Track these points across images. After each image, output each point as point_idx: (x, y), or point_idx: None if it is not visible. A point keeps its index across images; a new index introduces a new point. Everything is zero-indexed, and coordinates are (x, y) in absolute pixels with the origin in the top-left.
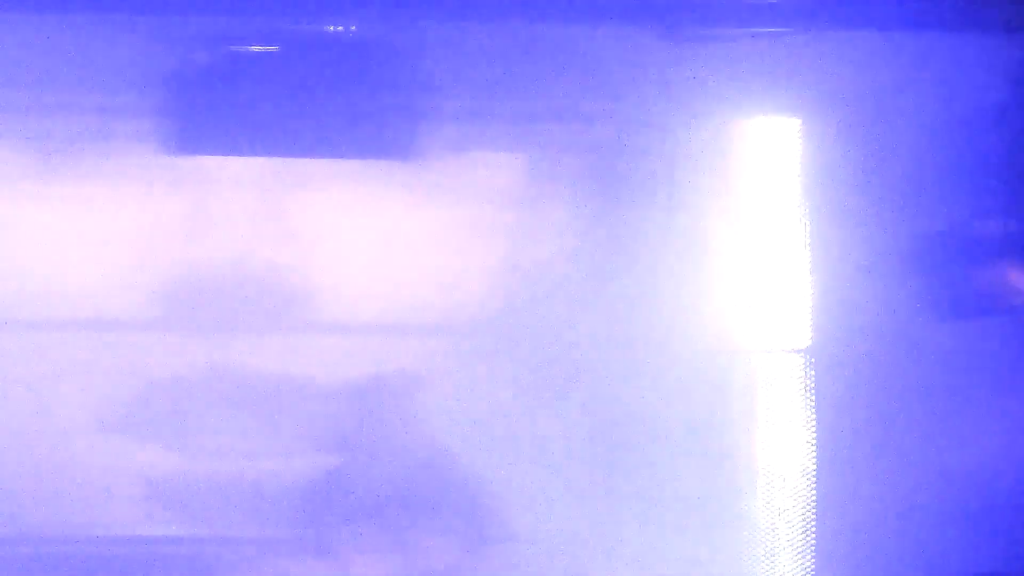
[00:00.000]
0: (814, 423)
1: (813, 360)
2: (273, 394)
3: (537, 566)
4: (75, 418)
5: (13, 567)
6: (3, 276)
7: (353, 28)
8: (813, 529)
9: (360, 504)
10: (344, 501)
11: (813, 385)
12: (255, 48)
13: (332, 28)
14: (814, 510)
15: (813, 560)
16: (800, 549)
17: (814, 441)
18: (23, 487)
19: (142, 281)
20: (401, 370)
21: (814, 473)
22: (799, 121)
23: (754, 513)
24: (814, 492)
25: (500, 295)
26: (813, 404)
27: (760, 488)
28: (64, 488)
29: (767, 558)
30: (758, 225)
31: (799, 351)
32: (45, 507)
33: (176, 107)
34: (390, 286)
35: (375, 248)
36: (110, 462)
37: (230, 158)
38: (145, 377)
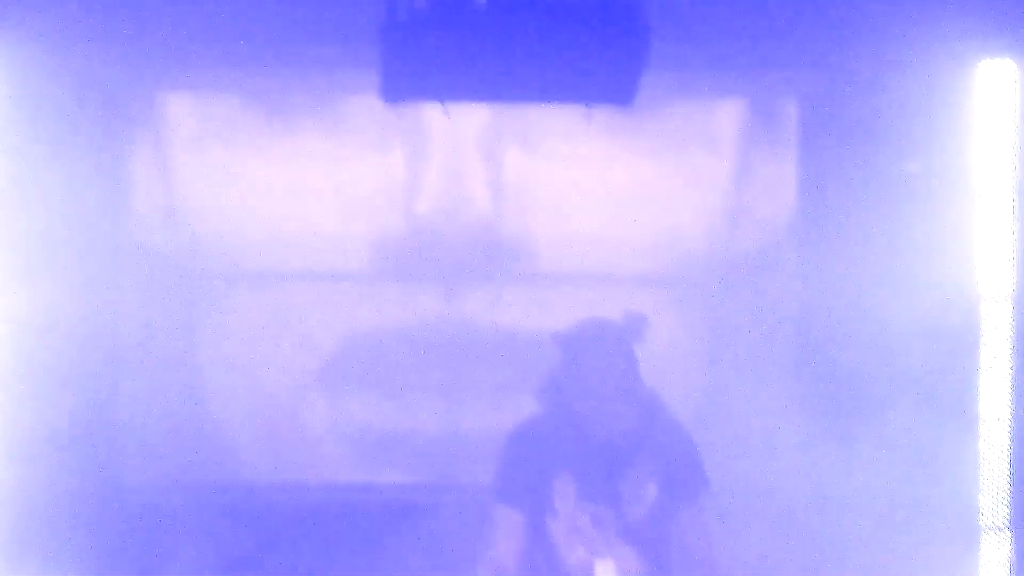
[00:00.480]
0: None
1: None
2: (490, 343)
3: (761, 510)
4: (293, 369)
5: (233, 514)
6: (226, 229)
7: None
8: None
9: (575, 450)
10: (559, 448)
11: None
12: None
13: None
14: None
15: None
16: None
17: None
18: (243, 436)
19: (360, 233)
20: (619, 319)
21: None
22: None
23: (981, 456)
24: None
25: (719, 244)
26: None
27: (984, 432)
28: (282, 437)
29: (996, 499)
30: (977, 170)
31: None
32: (265, 456)
33: (394, 58)
34: (608, 235)
35: (593, 197)
36: (327, 412)
37: (448, 108)
38: (362, 327)
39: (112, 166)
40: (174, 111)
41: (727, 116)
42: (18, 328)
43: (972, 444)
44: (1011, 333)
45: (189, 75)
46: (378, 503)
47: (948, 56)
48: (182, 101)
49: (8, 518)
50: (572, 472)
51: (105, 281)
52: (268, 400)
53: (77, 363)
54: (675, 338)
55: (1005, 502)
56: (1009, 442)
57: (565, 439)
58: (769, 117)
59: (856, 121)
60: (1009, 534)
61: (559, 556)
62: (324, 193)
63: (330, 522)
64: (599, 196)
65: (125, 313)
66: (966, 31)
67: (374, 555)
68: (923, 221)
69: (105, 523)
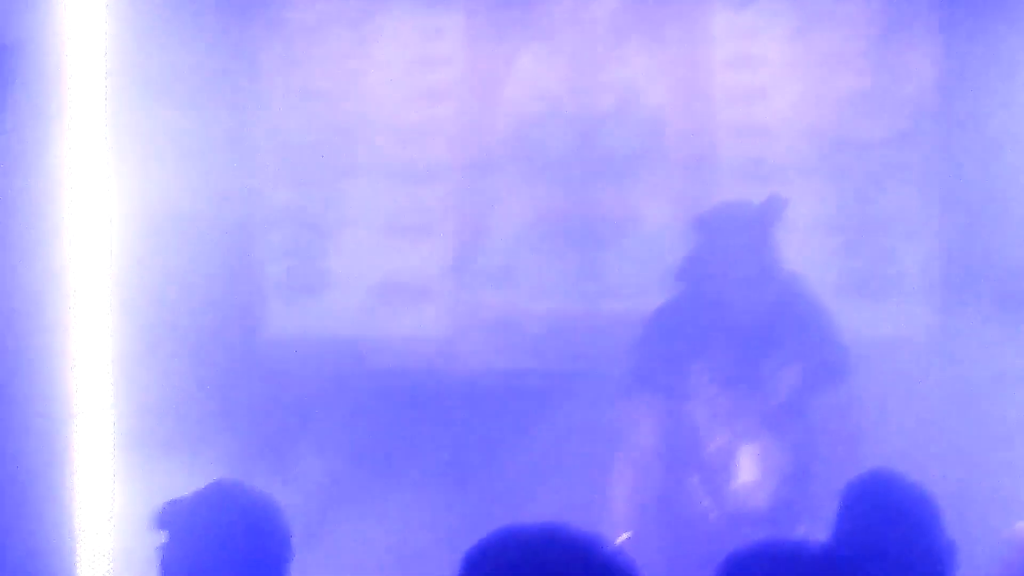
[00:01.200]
0: None
1: None
2: (628, 230)
3: (901, 400)
4: (426, 259)
5: (367, 402)
6: (358, 118)
7: None
8: None
9: (715, 334)
10: (699, 332)
11: None
12: None
13: None
14: None
15: None
16: None
17: None
18: (378, 329)
19: (492, 123)
20: (758, 202)
21: None
22: None
23: None
24: None
25: (859, 127)
26: None
27: None
28: (417, 326)
29: None
30: None
31: None
32: (401, 345)
33: None
34: (749, 121)
35: (732, 81)
36: (463, 302)
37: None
38: (496, 218)
39: (245, 53)
40: None
41: None
42: (153, 220)
43: None
44: None
45: None
46: (516, 390)
47: None
48: None
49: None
50: (712, 357)
51: (238, 169)
52: (400, 290)
53: (213, 254)
54: (816, 222)
55: None
56: None
57: (705, 324)
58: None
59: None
60: None
61: (700, 442)
62: (454, 83)
63: (469, 410)
64: (739, 80)
65: (265, 203)
66: None
67: (509, 437)
68: None
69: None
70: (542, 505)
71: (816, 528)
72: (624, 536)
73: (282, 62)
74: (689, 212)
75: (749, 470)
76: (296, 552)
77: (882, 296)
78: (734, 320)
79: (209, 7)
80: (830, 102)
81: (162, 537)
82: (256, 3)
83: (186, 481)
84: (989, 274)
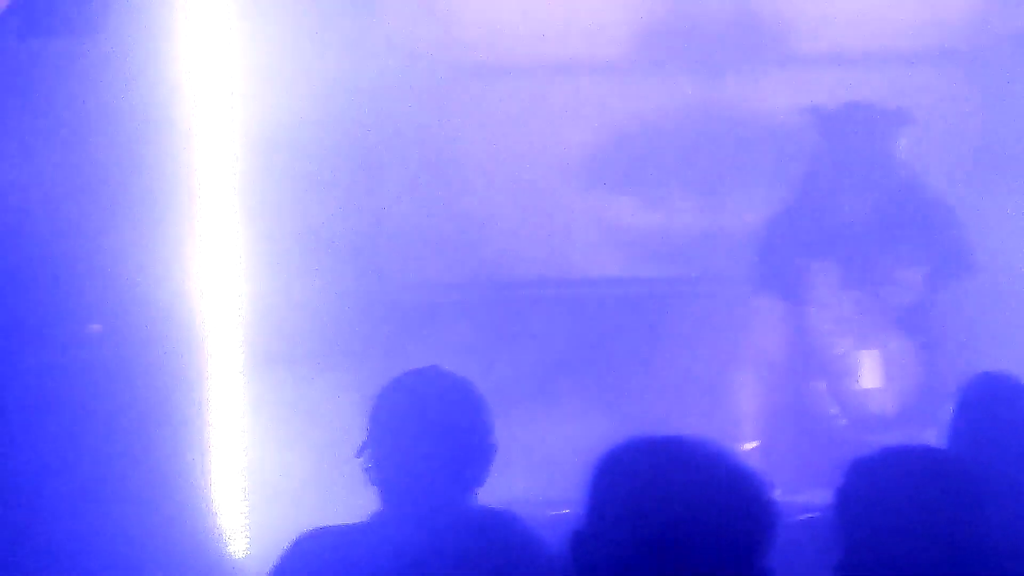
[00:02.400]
0: None
1: None
2: (749, 130)
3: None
4: (552, 163)
5: (493, 307)
6: (482, 22)
7: None
8: None
9: (837, 236)
10: (820, 234)
11: None
12: None
13: None
14: None
15: None
16: None
17: None
18: (501, 232)
19: (616, 21)
20: (880, 103)
21: None
22: None
23: None
24: None
25: (985, 19)
26: None
27: None
28: (541, 232)
29: None
30: None
31: None
32: (524, 250)
33: None
34: (870, 14)
35: None
36: (585, 206)
37: None
38: (619, 118)
39: None
40: None
41: None
42: (266, 133)
43: None
44: None
45: None
46: (638, 296)
47: None
48: None
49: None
50: (834, 259)
51: (361, 76)
52: (526, 195)
53: (333, 165)
54: (941, 116)
55: None
56: None
57: (826, 225)
58: None
59: None
60: None
61: (824, 346)
62: None
63: (590, 316)
64: None
65: (383, 110)
66: None
67: (634, 347)
68: None
69: (369, 321)
70: (671, 412)
71: (942, 431)
72: (752, 444)
73: None
74: (812, 113)
75: (875, 374)
76: None
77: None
78: (855, 221)
79: None
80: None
81: None
82: None
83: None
84: None
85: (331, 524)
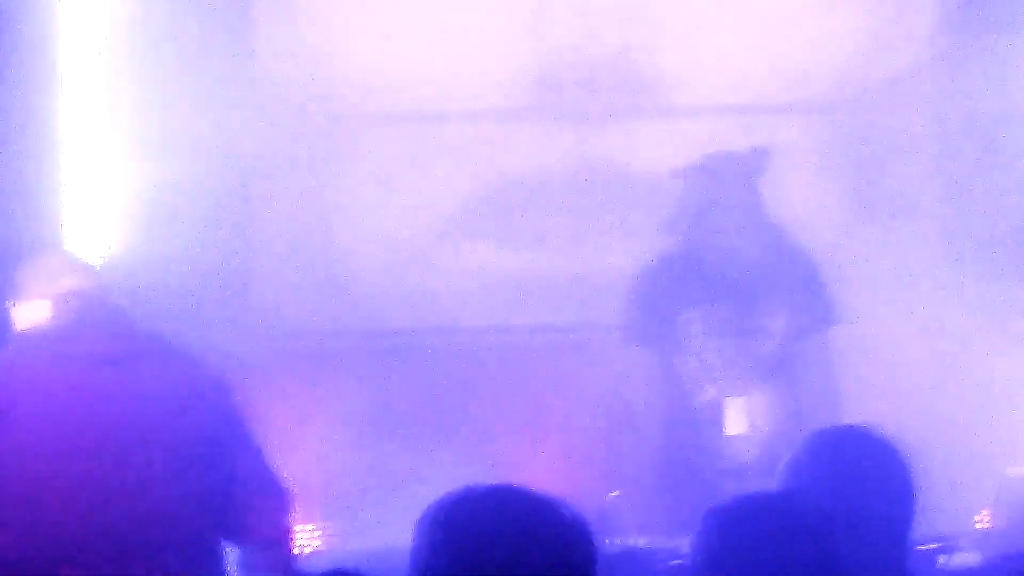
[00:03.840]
0: None
1: None
2: (622, 182)
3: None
4: (424, 211)
5: (365, 357)
6: (356, 70)
7: None
8: None
9: (703, 287)
10: (687, 285)
11: None
12: None
13: None
14: None
15: None
16: None
17: None
18: (373, 280)
19: (492, 71)
20: (743, 153)
21: None
22: None
23: None
24: None
25: (857, 71)
26: None
27: None
28: (414, 281)
29: None
30: None
31: None
32: (396, 300)
33: None
34: (743, 64)
35: (727, 25)
36: (459, 255)
37: None
38: (493, 168)
39: (240, 5)
40: None
41: None
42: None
43: None
44: None
45: None
46: (510, 345)
47: None
48: None
49: None
50: (700, 309)
51: (235, 122)
52: (400, 242)
53: (205, 215)
54: (813, 168)
55: None
56: None
57: (693, 276)
58: None
59: None
60: None
61: (689, 395)
62: (454, 31)
63: (462, 364)
64: (733, 24)
65: (258, 157)
66: None
67: (503, 395)
68: None
69: (242, 369)
70: (537, 460)
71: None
72: (615, 493)
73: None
74: (684, 164)
75: (739, 422)
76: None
77: (882, 239)
78: (722, 271)
79: None
80: (825, 45)
81: None
82: None
83: None
84: (996, 225)
85: None
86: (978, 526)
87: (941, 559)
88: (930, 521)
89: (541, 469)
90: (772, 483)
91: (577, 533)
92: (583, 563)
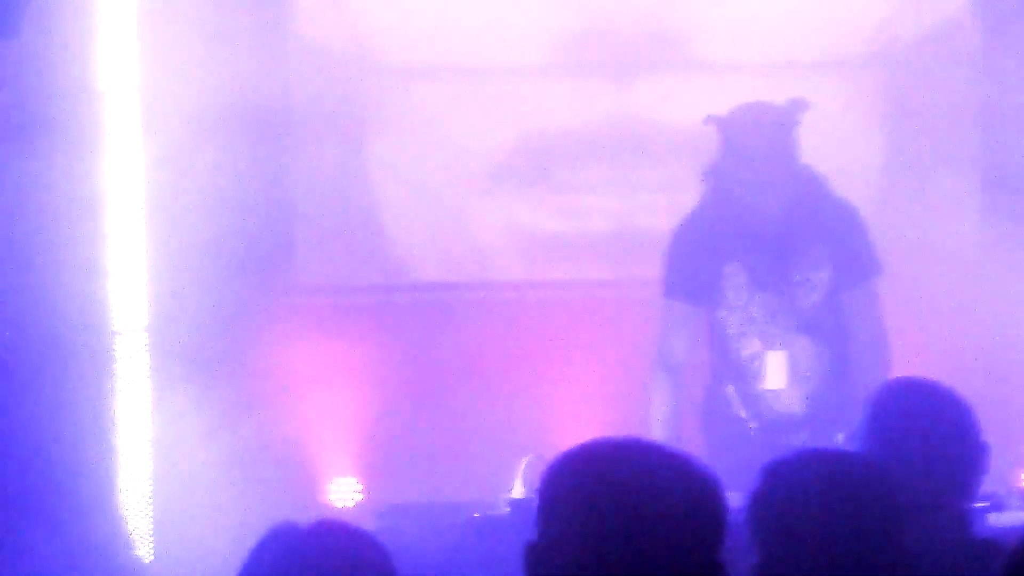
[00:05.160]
0: None
1: None
2: (661, 136)
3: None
4: (462, 166)
5: (401, 312)
6: (395, 23)
7: None
8: None
9: (744, 239)
10: (727, 238)
11: None
12: None
13: None
14: None
15: None
16: None
17: None
18: (410, 235)
19: (530, 26)
20: (793, 102)
21: None
22: None
23: None
24: None
25: (896, 26)
26: None
27: None
28: (449, 236)
29: None
30: None
31: None
32: (433, 255)
33: None
34: (780, 20)
35: None
36: (496, 210)
37: None
38: (531, 123)
39: None
40: None
41: None
42: (175, 138)
43: None
44: None
45: None
46: (549, 299)
47: None
48: None
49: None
50: (742, 262)
51: (272, 78)
52: (437, 197)
53: (242, 169)
54: (846, 122)
55: None
56: None
57: (733, 229)
58: None
59: None
60: None
61: (731, 348)
62: None
63: (501, 319)
64: None
65: (294, 112)
66: None
67: (544, 350)
68: None
69: (276, 324)
70: (579, 416)
71: (850, 433)
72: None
73: None
74: (720, 117)
75: (782, 376)
76: None
77: (919, 192)
78: (762, 224)
79: None
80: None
81: None
82: None
83: None
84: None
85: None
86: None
87: (991, 517)
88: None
89: (580, 425)
90: (816, 438)
91: (707, 487)
92: (714, 528)
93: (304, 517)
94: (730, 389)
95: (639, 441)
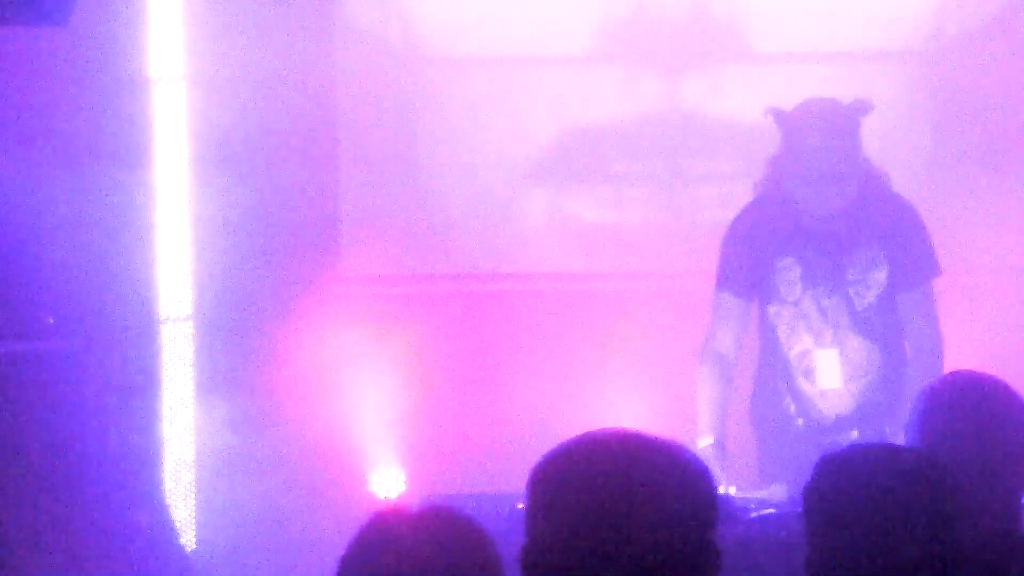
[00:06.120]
0: None
1: None
2: (711, 129)
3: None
4: (509, 156)
5: (447, 300)
6: (443, 11)
7: None
8: None
9: (800, 235)
10: (782, 234)
11: None
12: None
13: None
14: None
15: None
16: None
17: None
18: (457, 226)
19: (579, 16)
20: (857, 100)
21: None
22: None
23: None
24: None
25: (947, 14)
26: None
27: None
28: (497, 226)
29: None
30: None
31: None
32: (480, 245)
33: None
34: (833, 10)
35: None
36: (543, 200)
37: None
38: (579, 113)
39: None
40: None
41: None
42: (223, 127)
43: None
44: None
45: None
46: (593, 291)
47: None
48: None
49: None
50: (796, 257)
51: (319, 69)
52: (485, 187)
53: (290, 159)
54: (899, 113)
55: None
56: None
57: (789, 224)
58: None
59: None
60: None
61: (782, 344)
62: None
63: (544, 310)
64: None
65: (341, 102)
66: None
67: (590, 341)
68: None
69: (321, 313)
70: (627, 408)
71: (902, 425)
72: (708, 441)
73: None
74: (772, 110)
75: (834, 374)
76: None
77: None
78: (819, 220)
79: None
80: None
81: None
82: None
83: None
84: None
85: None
86: None
87: None
88: None
89: (627, 417)
90: (865, 438)
91: (698, 477)
92: (705, 508)
93: (348, 507)
94: (780, 385)
95: (625, 432)
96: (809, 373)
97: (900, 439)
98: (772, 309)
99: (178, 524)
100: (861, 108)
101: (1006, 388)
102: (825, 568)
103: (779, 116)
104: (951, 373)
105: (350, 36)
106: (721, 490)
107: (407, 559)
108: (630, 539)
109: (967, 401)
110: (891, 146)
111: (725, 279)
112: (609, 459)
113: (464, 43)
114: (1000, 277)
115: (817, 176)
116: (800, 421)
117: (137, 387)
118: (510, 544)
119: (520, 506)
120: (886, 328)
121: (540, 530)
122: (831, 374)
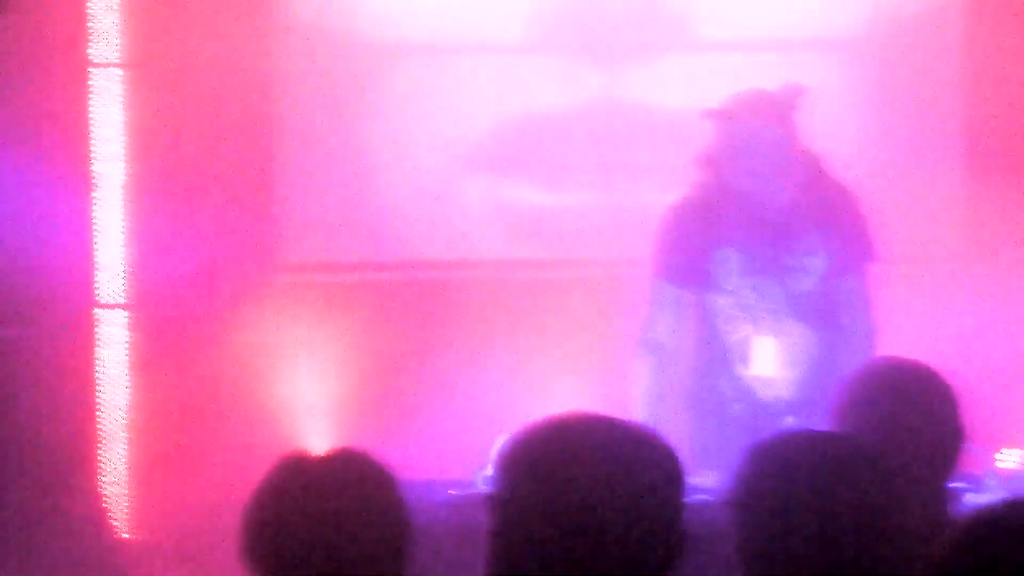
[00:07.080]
0: None
1: None
2: (650, 119)
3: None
4: (462, 145)
5: (388, 289)
6: (388, 1)
7: None
8: None
9: (738, 223)
10: (721, 222)
11: None
12: None
13: None
14: None
15: None
16: None
17: None
18: (398, 213)
19: (519, 4)
20: (776, 90)
21: None
22: None
23: None
24: None
25: (887, 5)
26: None
27: None
28: (438, 214)
29: None
30: None
31: None
32: (421, 232)
33: None
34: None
35: None
36: (483, 189)
37: None
38: (520, 102)
39: None
40: None
41: None
42: (162, 119)
43: None
44: None
45: None
46: (536, 279)
47: None
48: None
49: None
50: (735, 246)
51: (257, 48)
52: (422, 175)
53: (230, 150)
54: (843, 105)
55: None
56: None
57: (727, 213)
58: None
59: None
60: None
61: (721, 332)
62: None
63: (487, 298)
64: None
65: (280, 91)
66: None
67: (532, 330)
68: None
69: (263, 303)
70: (561, 396)
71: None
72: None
73: None
74: (712, 100)
75: (772, 362)
76: None
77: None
78: (757, 209)
79: None
80: None
81: None
82: None
83: None
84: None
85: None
86: (1001, 466)
87: (968, 498)
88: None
89: (563, 403)
90: (804, 422)
91: (665, 459)
92: (673, 490)
93: None
94: (718, 370)
95: (593, 415)
96: (747, 359)
97: (826, 416)
98: (710, 297)
99: (113, 514)
100: (793, 93)
101: (930, 373)
102: (757, 557)
103: (715, 114)
104: (875, 359)
105: (289, 22)
106: None
107: (314, 500)
108: (598, 521)
109: (890, 387)
110: (828, 133)
111: (661, 268)
112: (577, 442)
113: (404, 30)
114: (937, 265)
115: (754, 165)
116: (738, 407)
117: (72, 374)
118: (442, 528)
119: (452, 492)
120: (826, 315)
121: (507, 514)
122: (768, 361)
